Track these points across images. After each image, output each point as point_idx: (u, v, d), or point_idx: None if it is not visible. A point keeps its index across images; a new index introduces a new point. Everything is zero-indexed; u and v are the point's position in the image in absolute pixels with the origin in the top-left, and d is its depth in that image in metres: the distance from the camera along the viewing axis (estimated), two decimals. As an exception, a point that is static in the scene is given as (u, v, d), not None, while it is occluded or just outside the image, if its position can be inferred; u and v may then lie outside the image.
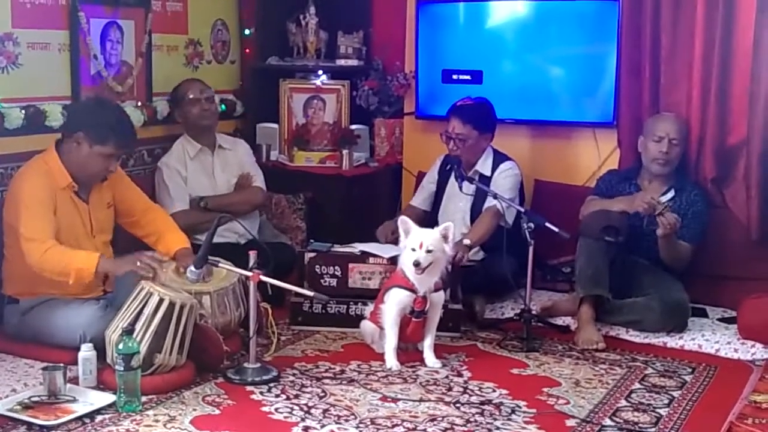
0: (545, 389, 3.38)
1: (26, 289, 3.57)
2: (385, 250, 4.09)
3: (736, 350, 3.81)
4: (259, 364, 3.45)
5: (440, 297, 3.68)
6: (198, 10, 4.91)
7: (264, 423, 3.03)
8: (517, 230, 4.00)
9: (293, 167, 5.09)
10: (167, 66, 4.71)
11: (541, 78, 4.80)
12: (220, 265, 3.53)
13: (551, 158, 4.85)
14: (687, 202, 4.15)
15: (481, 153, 4.39)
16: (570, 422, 3.08)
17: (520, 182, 4.44)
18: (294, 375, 3.47)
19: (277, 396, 3.26)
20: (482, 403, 3.24)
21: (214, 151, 4.53)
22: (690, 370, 3.64)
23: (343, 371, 3.54)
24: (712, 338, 3.91)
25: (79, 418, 2.97)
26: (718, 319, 4.16)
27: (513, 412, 3.15)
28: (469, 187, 4.27)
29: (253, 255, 3.54)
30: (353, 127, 5.20)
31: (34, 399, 3.04)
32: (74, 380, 3.24)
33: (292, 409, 3.14)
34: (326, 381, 3.42)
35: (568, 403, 3.26)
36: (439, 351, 3.70)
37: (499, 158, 4.41)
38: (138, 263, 3.40)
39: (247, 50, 5.25)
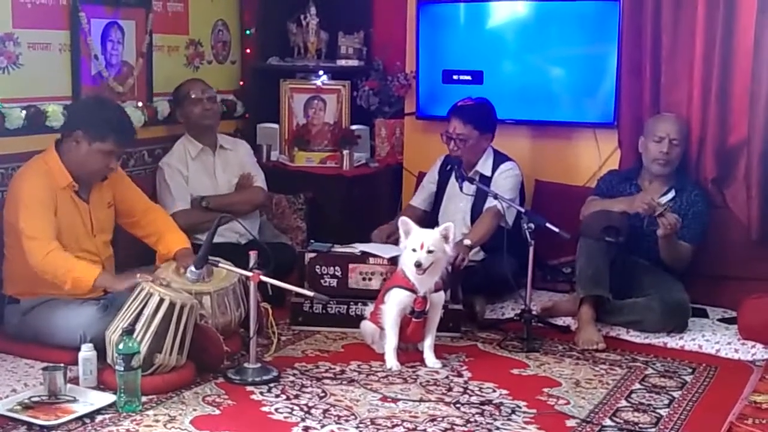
0: (545, 389, 3.38)
1: (27, 289, 3.57)
2: (385, 251, 4.09)
3: (736, 350, 3.81)
4: (259, 365, 3.45)
5: (440, 297, 3.68)
6: (199, 11, 4.91)
7: (264, 423, 3.03)
8: (518, 230, 4.00)
9: (294, 167, 5.09)
10: (168, 66, 4.71)
11: (542, 78, 4.80)
12: (220, 265, 3.53)
13: (552, 158, 4.85)
14: (687, 202, 4.15)
15: (481, 153, 4.39)
16: (570, 422, 3.08)
17: (521, 182, 4.44)
18: (294, 375, 3.47)
19: (278, 396, 3.26)
20: (482, 403, 3.24)
21: (216, 151, 4.53)
22: (690, 370, 3.64)
23: (343, 371, 3.54)
24: (713, 338, 3.91)
25: (80, 418, 2.97)
26: (719, 320, 4.15)
27: (513, 412, 3.15)
28: (469, 188, 4.27)
29: (253, 255, 3.54)
30: (354, 127, 5.20)
31: (34, 399, 3.05)
32: (74, 380, 3.24)
33: (293, 409, 3.14)
34: (326, 381, 3.42)
35: (568, 403, 3.26)
36: (439, 351, 3.70)
37: (500, 158, 4.41)
38: (138, 276, 3.40)
39: (248, 50, 5.26)
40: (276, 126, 5.23)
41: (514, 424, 3.05)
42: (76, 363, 3.27)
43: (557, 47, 4.76)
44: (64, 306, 3.50)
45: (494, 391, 3.36)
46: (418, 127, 5.15)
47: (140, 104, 4.48)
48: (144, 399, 3.12)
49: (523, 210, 4.02)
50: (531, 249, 3.83)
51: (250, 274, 3.44)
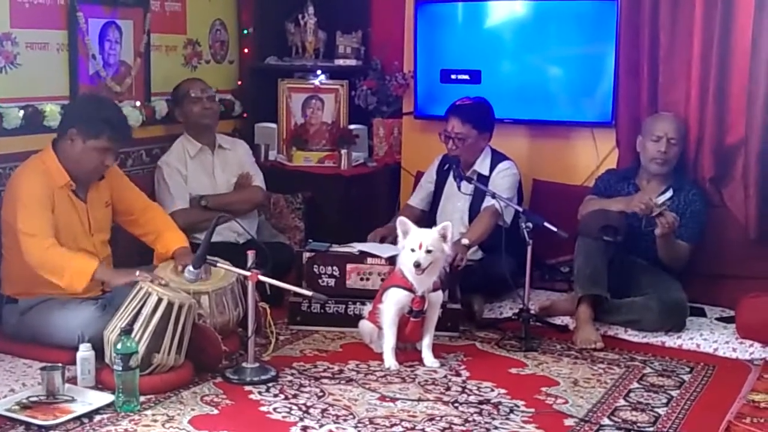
0: (544, 389, 3.39)
1: (25, 289, 3.56)
2: (383, 250, 4.09)
3: (734, 349, 3.81)
4: (257, 364, 3.45)
5: (439, 297, 3.68)
6: (196, 10, 4.91)
7: (262, 423, 3.03)
8: (516, 230, 4.00)
9: (292, 167, 5.09)
10: (166, 66, 4.71)
11: (540, 78, 4.80)
12: (218, 264, 3.53)
13: (550, 158, 4.85)
14: (685, 201, 4.16)
15: (479, 152, 4.40)
16: (568, 421, 3.08)
17: (519, 182, 4.44)
18: (292, 375, 3.47)
19: (276, 396, 3.26)
20: (481, 402, 3.24)
21: (214, 150, 4.53)
22: (688, 369, 3.64)
23: (341, 371, 3.54)
24: (711, 338, 3.91)
25: (78, 418, 2.97)
26: (717, 319, 4.16)
27: (511, 411, 3.15)
28: (467, 187, 4.27)
29: (251, 255, 3.54)
30: (352, 126, 5.20)
31: (32, 399, 3.04)
32: (73, 380, 3.24)
33: (291, 408, 3.14)
34: (325, 381, 3.42)
35: (566, 402, 3.26)
36: (437, 350, 3.70)
37: (498, 158, 4.41)
38: (137, 273, 3.39)
39: (246, 50, 5.26)
40: (274, 126, 5.23)
41: (512, 424, 3.05)
42: (74, 363, 3.26)
43: (555, 47, 4.76)
44: (62, 306, 3.50)
45: (492, 390, 3.36)
46: (416, 126, 5.15)
47: (138, 104, 4.47)
48: (142, 399, 3.11)
49: (521, 209, 4.02)
50: (529, 248, 3.83)
51: (248, 273, 3.44)
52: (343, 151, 5.01)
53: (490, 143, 4.45)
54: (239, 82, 5.28)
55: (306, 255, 4.11)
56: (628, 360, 3.74)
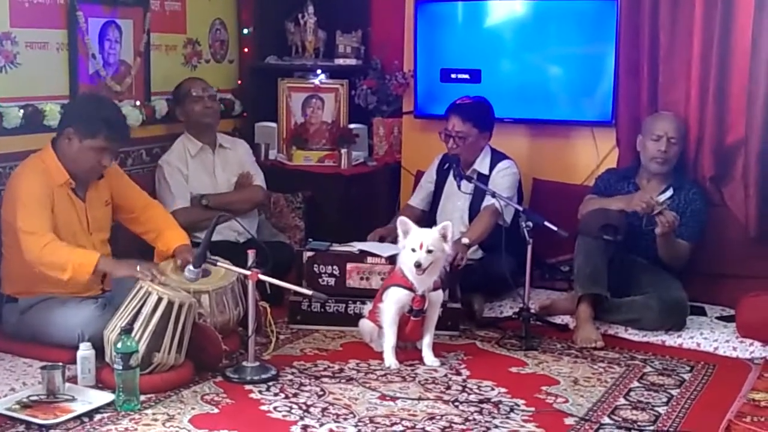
0: (544, 388, 3.39)
1: (25, 288, 3.56)
2: (383, 250, 4.09)
3: (734, 348, 3.81)
4: (257, 363, 3.45)
5: (439, 296, 3.69)
6: (196, 10, 4.91)
7: (263, 422, 3.03)
8: (516, 229, 4.00)
9: (292, 166, 5.09)
10: (166, 65, 4.71)
11: (540, 77, 4.80)
12: (218, 264, 3.53)
13: (550, 157, 4.85)
14: (685, 200, 4.16)
15: (479, 151, 4.40)
16: (568, 420, 3.08)
17: (519, 181, 4.44)
18: (293, 374, 3.47)
19: (276, 395, 3.26)
20: (481, 401, 3.24)
21: (215, 149, 4.54)
22: (688, 368, 3.64)
23: (341, 370, 3.54)
24: (711, 336, 3.91)
25: (78, 417, 2.97)
26: (717, 318, 4.16)
27: (512, 410, 3.15)
28: (467, 186, 4.27)
29: (251, 254, 3.54)
30: (352, 126, 5.20)
31: (32, 398, 3.04)
32: (73, 379, 3.24)
33: (291, 407, 3.14)
34: (325, 380, 3.42)
35: (566, 401, 3.26)
36: (437, 350, 3.70)
37: (497, 157, 4.41)
38: (138, 268, 3.39)
39: (246, 49, 5.26)
40: (274, 125, 5.23)
41: (512, 423, 3.05)
42: (74, 362, 3.26)
43: (555, 46, 4.76)
44: (62, 305, 3.50)
45: (493, 389, 3.36)
46: (416, 125, 5.15)
47: (138, 103, 4.47)
48: (142, 398, 3.11)
49: (521, 208, 4.02)
50: (529, 247, 3.83)
51: (248, 272, 3.44)
52: (343, 151, 5.01)
53: (490, 142, 4.45)
54: (239, 82, 5.28)
55: (306, 254, 4.11)
56: (629, 359, 3.74)
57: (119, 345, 3.06)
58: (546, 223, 3.86)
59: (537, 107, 4.81)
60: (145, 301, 3.25)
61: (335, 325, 4.03)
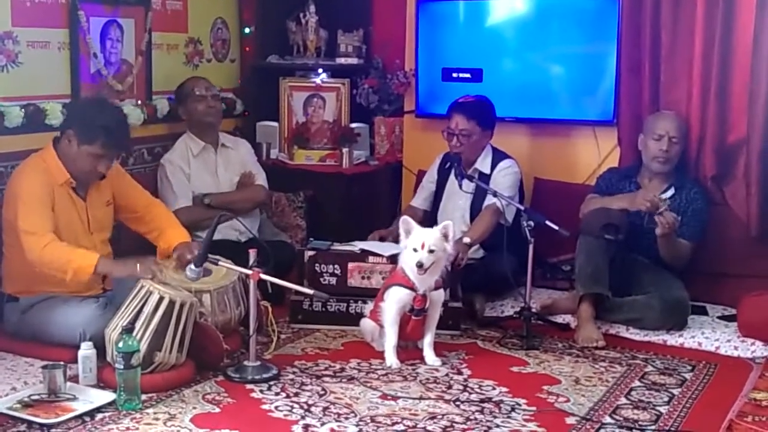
0: (545, 387, 3.39)
1: (26, 287, 3.57)
2: (384, 249, 4.09)
3: (736, 348, 3.81)
4: (259, 363, 3.45)
5: (440, 295, 3.69)
6: (198, 9, 4.91)
7: (264, 421, 3.04)
8: (517, 228, 4.00)
9: (293, 165, 5.09)
10: (167, 64, 4.71)
11: (541, 76, 4.80)
12: (220, 263, 3.53)
13: (551, 156, 4.85)
14: (687, 199, 4.15)
15: (481, 150, 4.40)
16: (570, 420, 3.08)
17: (520, 180, 4.44)
18: (294, 373, 3.47)
19: (277, 394, 3.26)
20: (482, 401, 3.24)
21: (217, 149, 4.54)
22: (690, 367, 3.64)
23: (343, 369, 3.54)
24: (712, 336, 3.91)
25: (79, 416, 2.98)
26: (718, 317, 4.15)
27: (513, 409, 3.15)
28: (468, 185, 4.27)
29: (253, 253, 3.54)
30: (353, 125, 5.20)
31: (34, 397, 3.05)
32: (74, 378, 3.25)
33: (292, 407, 3.14)
34: (326, 379, 3.42)
35: (568, 400, 3.26)
36: (439, 349, 3.70)
37: (499, 156, 4.41)
38: (138, 266, 3.39)
39: (247, 48, 5.26)
40: (275, 124, 5.23)
41: (513, 422, 3.05)
42: (75, 361, 3.27)
43: (557, 45, 4.75)
44: (64, 304, 3.50)
45: (494, 388, 3.36)
46: (418, 125, 5.15)
47: (139, 102, 4.48)
48: (144, 397, 3.12)
49: (522, 208, 4.02)
50: (530, 247, 3.83)
51: (249, 272, 3.44)
52: (345, 150, 5.01)
53: (492, 142, 4.45)
54: (240, 81, 5.28)
55: (307, 253, 4.11)
56: (630, 358, 3.74)
57: (120, 344, 3.06)
58: (547, 223, 3.86)
59: (538, 106, 4.81)
60: (146, 301, 3.25)
61: (336, 324, 4.03)
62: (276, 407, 3.14)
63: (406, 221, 3.67)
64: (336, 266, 4.08)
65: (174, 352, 3.26)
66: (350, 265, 4.08)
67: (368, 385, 3.36)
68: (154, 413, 3.05)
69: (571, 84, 4.76)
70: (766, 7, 4.09)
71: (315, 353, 3.74)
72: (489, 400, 3.25)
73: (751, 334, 3.84)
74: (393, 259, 3.91)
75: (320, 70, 5.21)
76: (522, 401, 3.23)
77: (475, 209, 4.35)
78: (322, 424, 2.99)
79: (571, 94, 4.76)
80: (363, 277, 4.07)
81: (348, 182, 5.01)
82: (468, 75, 4.89)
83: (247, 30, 5.24)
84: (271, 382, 3.36)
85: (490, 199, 4.20)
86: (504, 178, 4.33)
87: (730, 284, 4.22)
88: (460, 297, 4.09)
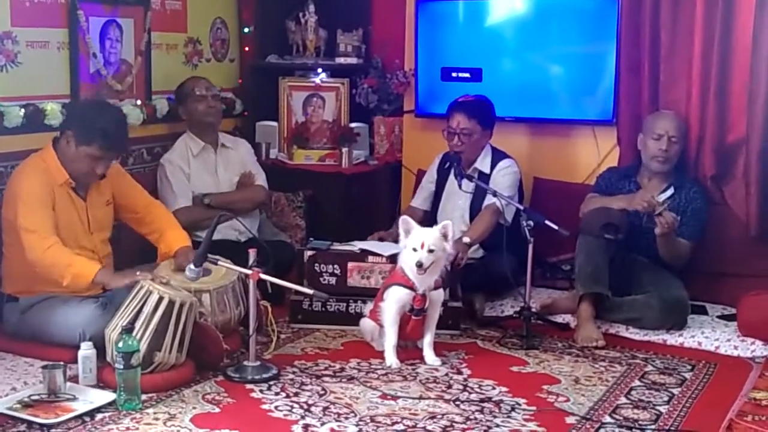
0: (545, 387, 3.39)
1: (25, 287, 3.57)
2: (384, 249, 4.09)
3: (735, 347, 3.81)
4: (258, 362, 3.45)
5: (440, 295, 3.69)
6: (197, 9, 4.91)
7: (264, 421, 3.04)
8: (517, 228, 4.00)
9: (293, 165, 5.09)
10: (167, 64, 4.71)
11: (541, 76, 4.80)
12: (219, 263, 3.53)
13: (551, 156, 4.85)
14: (686, 199, 4.16)
15: (480, 150, 4.40)
16: (570, 419, 3.08)
17: (520, 180, 4.44)
18: (294, 373, 3.47)
19: (277, 394, 3.26)
20: (482, 400, 3.24)
21: (217, 149, 4.54)
22: (690, 367, 3.64)
23: (342, 369, 3.54)
24: (712, 335, 3.91)
25: (79, 416, 2.98)
26: (718, 317, 4.16)
27: (513, 409, 3.15)
28: (468, 185, 4.27)
29: (252, 253, 3.54)
30: (353, 125, 5.20)
31: (33, 397, 3.04)
32: (74, 378, 3.25)
33: (292, 407, 3.14)
34: (326, 379, 3.42)
35: (567, 400, 3.26)
36: (438, 349, 3.70)
37: (498, 156, 4.41)
38: (138, 274, 3.39)
39: (247, 48, 5.26)
40: (275, 124, 5.23)
41: (513, 422, 3.05)
42: (75, 361, 3.27)
43: (556, 45, 4.75)
44: (63, 304, 3.50)
45: (494, 388, 3.36)
46: (417, 124, 5.15)
47: (139, 102, 4.48)
48: (144, 397, 3.11)
49: (522, 207, 4.02)
50: (530, 246, 3.83)
51: (249, 272, 3.44)
52: (344, 150, 5.01)
53: (491, 141, 4.45)
54: (240, 81, 5.28)
55: (307, 253, 4.11)
56: (630, 358, 3.74)
57: (120, 344, 3.06)
58: (547, 222, 3.86)
59: (538, 106, 4.81)
60: (146, 301, 3.25)
61: (336, 324, 4.03)
62: (276, 407, 3.14)
63: (405, 221, 3.67)
64: (335, 266, 4.08)
65: (174, 352, 3.26)
66: (350, 264, 4.08)
67: (368, 384, 3.37)
68: (154, 413, 3.05)
69: (570, 84, 4.76)
70: (765, 7, 4.09)
71: (315, 353, 3.74)
72: (489, 399, 3.25)
73: (751, 333, 3.84)
74: (392, 258, 3.91)
75: (320, 70, 5.21)
76: (522, 401, 3.23)
77: (475, 209, 4.35)
78: (322, 424, 2.99)
79: (571, 93, 4.76)
80: (362, 277, 4.07)
81: (347, 182, 5.01)
82: (467, 75, 4.89)
83: (246, 30, 5.23)
84: (271, 382, 3.36)
85: (489, 199, 4.20)
86: (503, 178, 4.33)
87: (730, 284, 4.22)
88: (460, 297, 4.09)
